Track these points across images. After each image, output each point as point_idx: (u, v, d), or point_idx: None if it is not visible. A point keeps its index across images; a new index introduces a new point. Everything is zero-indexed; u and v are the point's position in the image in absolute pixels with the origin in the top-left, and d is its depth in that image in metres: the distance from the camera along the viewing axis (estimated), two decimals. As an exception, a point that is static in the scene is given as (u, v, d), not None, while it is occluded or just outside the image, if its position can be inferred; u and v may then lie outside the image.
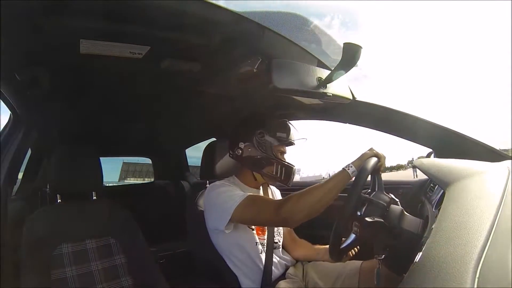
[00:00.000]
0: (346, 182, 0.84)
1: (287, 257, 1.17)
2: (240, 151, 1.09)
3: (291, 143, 1.12)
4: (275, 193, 1.27)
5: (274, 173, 1.05)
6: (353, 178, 0.80)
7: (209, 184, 1.12)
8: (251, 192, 1.07)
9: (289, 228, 1.22)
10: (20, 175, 1.43)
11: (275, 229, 1.12)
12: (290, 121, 1.15)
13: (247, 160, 1.08)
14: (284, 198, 0.90)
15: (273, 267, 1.06)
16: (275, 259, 1.09)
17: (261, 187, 1.17)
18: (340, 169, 0.84)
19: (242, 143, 1.09)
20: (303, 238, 1.25)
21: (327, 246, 0.87)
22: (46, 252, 0.92)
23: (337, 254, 0.83)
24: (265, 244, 1.08)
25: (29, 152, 1.42)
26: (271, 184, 1.24)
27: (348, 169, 0.82)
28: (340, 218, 0.75)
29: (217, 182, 1.08)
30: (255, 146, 1.07)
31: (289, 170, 1.05)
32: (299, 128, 1.16)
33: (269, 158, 1.05)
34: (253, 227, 1.08)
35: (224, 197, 0.98)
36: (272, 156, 1.06)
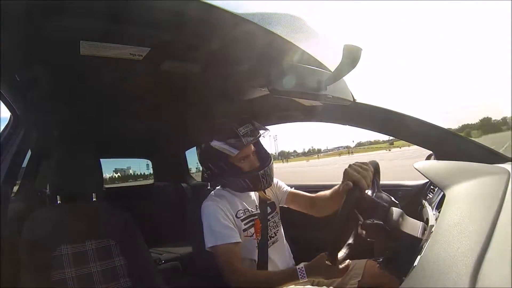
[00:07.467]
0: (293, 282, 0.92)
1: (288, 254, 1.16)
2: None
3: (247, 144, 1.00)
4: (279, 184, 1.21)
5: (242, 187, 1.02)
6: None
7: (210, 186, 1.12)
8: (245, 198, 1.06)
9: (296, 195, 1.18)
10: (20, 176, 1.43)
11: (273, 221, 1.11)
12: (242, 119, 1.02)
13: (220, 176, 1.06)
14: (242, 271, 0.97)
15: (271, 265, 1.05)
16: (274, 256, 1.07)
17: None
18: (294, 268, 0.92)
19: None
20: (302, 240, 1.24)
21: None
22: (45, 253, 0.92)
23: (334, 258, 0.81)
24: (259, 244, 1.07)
25: (29, 152, 1.42)
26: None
27: (299, 271, 0.89)
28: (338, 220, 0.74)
29: (208, 202, 1.05)
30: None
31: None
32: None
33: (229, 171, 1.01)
34: (248, 234, 1.06)
35: (208, 231, 1.00)
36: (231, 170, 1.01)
